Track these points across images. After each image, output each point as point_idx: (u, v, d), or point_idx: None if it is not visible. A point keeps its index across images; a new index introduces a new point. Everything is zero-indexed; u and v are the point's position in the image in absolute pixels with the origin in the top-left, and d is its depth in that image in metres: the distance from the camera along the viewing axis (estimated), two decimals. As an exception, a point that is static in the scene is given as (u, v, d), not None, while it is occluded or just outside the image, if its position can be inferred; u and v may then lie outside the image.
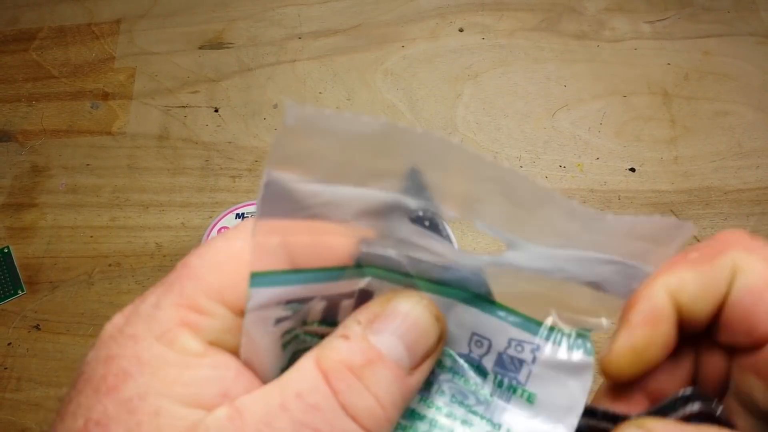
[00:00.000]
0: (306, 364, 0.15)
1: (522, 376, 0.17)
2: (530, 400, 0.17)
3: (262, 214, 0.15)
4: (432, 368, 0.17)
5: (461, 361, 0.18)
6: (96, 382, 0.15)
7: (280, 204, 0.15)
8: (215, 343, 0.16)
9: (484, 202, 0.16)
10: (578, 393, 0.17)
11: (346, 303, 0.17)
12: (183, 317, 0.15)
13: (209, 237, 0.47)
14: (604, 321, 0.17)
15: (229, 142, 0.55)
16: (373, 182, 0.16)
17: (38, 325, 0.48)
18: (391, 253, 0.16)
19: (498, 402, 0.17)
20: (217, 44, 0.61)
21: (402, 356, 0.16)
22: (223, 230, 0.47)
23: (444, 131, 0.56)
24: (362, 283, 0.17)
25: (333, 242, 0.16)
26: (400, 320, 0.16)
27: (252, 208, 0.48)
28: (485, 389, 0.17)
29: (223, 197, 0.53)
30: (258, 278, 0.15)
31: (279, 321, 0.16)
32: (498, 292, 0.17)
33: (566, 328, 0.17)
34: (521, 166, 0.54)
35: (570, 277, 0.16)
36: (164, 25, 0.62)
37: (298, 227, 0.16)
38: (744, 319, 0.17)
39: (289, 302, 0.16)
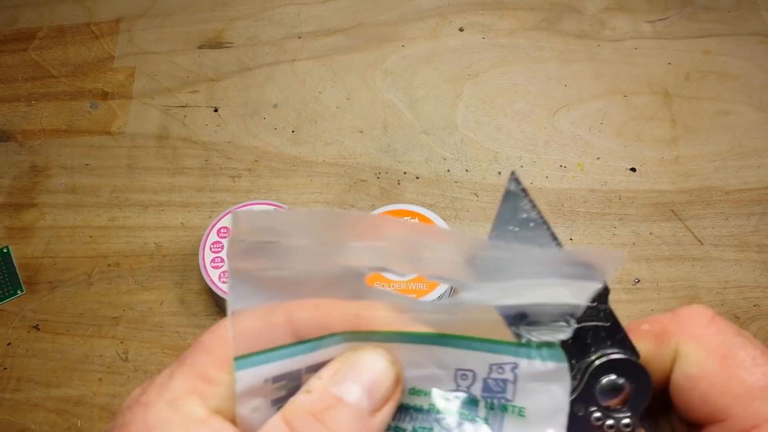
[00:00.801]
0: (273, 419, 0.17)
1: (509, 394, 0.19)
2: (521, 413, 0.18)
3: (234, 305, 0.17)
4: (395, 409, 0.18)
5: (451, 397, 0.19)
6: None
7: (248, 294, 0.17)
8: (220, 411, 0.17)
9: (428, 260, 0.18)
10: (561, 395, 0.18)
11: None
12: (193, 386, 0.17)
13: (209, 237, 0.46)
14: (564, 325, 0.19)
15: (229, 142, 0.55)
16: (324, 262, 0.18)
17: (37, 325, 0.47)
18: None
19: (494, 423, 0.19)
20: (216, 44, 0.61)
21: (361, 399, 0.17)
22: (222, 230, 0.47)
23: (444, 131, 0.55)
24: (341, 347, 0.18)
25: (309, 317, 0.18)
26: (358, 369, 0.17)
27: (252, 208, 0.48)
28: (480, 415, 0.19)
29: (222, 197, 0.52)
30: (241, 361, 0.17)
31: (275, 402, 0.18)
32: (466, 326, 0.19)
33: (535, 342, 0.19)
34: (521, 166, 0.54)
35: (528, 305, 0.18)
36: (163, 24, 0.62)
37: (272, 310, 0.18)
38: (683, 403, 0.18)
39: (276, 379, 0.17)
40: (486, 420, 0.19)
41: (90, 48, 0.61)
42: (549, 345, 0.18)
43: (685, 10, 0.62)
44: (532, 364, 0.18)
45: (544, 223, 0.19)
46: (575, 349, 0.19)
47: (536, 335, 0.18)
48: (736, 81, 0.58)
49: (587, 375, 0.19)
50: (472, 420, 0.19)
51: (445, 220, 0.47)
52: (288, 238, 0.17)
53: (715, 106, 0.57)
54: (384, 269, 0.18)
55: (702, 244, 0.50)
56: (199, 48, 0.61)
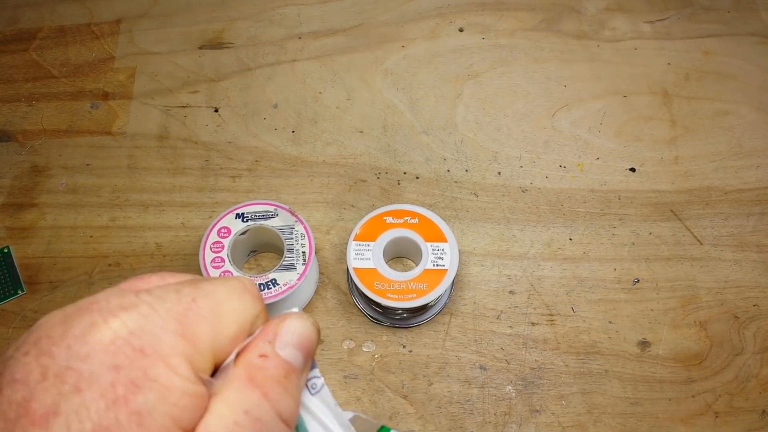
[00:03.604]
0: (242, 384, 0.19)
1: None
2: None
3: None
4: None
5: None
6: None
7: None
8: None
9: None
10: None
11: None
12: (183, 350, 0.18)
13: (209, 236, 0.46)
14: None
15: (229, 142, 0.55)
16: None
17: (38, 325, 0.48)
18: None
19: None
20: (217, 44, 0.61)
21: (300, 362, 0.20)
22: (223, 230, 0.47)
23: (444, 131, 0.56)
24: None
25: None
26: (297, 335, 0.21)
27: (252, 208, 0.48)
28: None
29: (222, 197, 0.53)
30: None
31: None
32: None
33: None
34: (521, 166, 0.54)
35: None
36: (164, 25, 0.62)
37: None
38: None
39: None
40: None
41: (91, 48, 0.61)
42: None
43: (685, 10, 0.62)
44: None
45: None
46: None
47: None
48: (736, 81, 0.58)
49: None
50: None
51: (445, 220, 0.47)
52: None
53: (715, 106, 0.57)
54: None
55: (701, 244, 0.50)
56: (200, 48, 0.61)
